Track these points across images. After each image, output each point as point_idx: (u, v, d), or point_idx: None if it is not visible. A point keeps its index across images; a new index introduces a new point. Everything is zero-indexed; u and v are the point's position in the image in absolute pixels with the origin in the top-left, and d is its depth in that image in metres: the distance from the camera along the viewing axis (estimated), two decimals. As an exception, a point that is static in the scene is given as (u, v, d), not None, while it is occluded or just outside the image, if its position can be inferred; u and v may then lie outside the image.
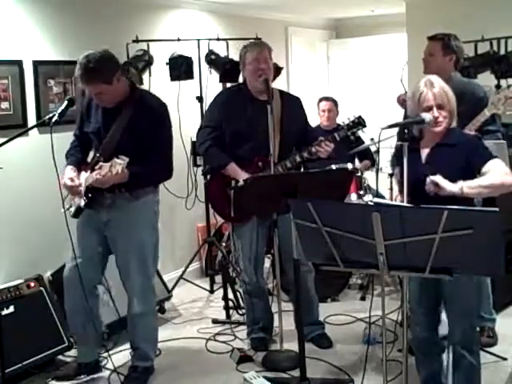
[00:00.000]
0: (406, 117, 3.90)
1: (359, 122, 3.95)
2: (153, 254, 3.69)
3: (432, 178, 2.78)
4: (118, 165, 3.16)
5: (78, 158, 3.66)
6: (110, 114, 3.50)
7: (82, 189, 3.49)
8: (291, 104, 4.06)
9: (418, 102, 2.91)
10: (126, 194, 3.53)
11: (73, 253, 3.55)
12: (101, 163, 3.31)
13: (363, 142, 5.23)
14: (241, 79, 5.20)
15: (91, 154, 3.72)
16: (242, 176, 3.83)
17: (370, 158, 5.49)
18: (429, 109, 2.88)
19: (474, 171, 2.83)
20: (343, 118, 4.14)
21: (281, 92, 4.12)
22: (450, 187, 2.75)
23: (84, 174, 3.53)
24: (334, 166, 4.44)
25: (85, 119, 3.62)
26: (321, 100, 5.71)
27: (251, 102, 3.93)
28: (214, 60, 5.13)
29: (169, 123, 3.61)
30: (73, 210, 3.59)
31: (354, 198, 4.84)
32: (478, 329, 3.11)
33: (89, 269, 3.58)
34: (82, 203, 3.51)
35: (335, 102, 5.69)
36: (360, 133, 4.13)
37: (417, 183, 2.86)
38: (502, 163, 2.84)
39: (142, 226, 3.61)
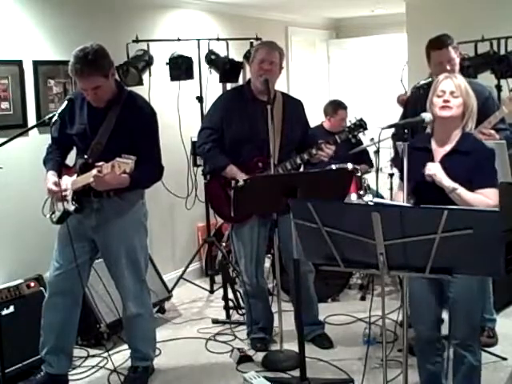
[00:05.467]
0: (405, 117, 3.91)
1: (361, 125, 3.95)
2: (144, 256, 3.67)
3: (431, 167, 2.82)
4: (124, 164, 3.06)
5: (58, 162, 3.55)
6: (97, 115, 3.43)
7: (69, 193, 3.44)
8: (293, 107, 4.06)
9: (434, 88, 2.92)
10: (115, 198, 3.46)
11: (56, 262, 3.53)
12: (101, 162, 3.23)
13: (362, 143, 5.24)
14: (241, 81, 5.25)
15: (69, 158, 3.65)
16: (241, 177, 3.83)
17: (367, 161, 5.48)
18: (442, 93, 2.88)
19: (472, 181, 2.83)
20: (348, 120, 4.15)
21: (283, 95, 4.14)
22: (445, 181, 2.80)
23: (68, 178, 3.47)
24: (333, 166, 4.44)
25: (67, 120, 3.49)
26: (340, 108, 5.61)
27: (252, 103, 3.93)
28: (214, 60, 5.13)
29: (157, 123, 3.55)
30: (57, 215, 3.52)
31: (354, 197, 4.84)
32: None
33: (74, 279, 3.47)
34: (72, 208, 3.44)
35: None
36: (360, 135, 4.13)
37: (423, 183, 2.87)
38: (496, 194, 2.84)
39: (133, 229, 3.57)
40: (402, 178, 3.08)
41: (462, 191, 2.79)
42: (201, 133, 4.08)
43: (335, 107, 5.61)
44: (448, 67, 3.73)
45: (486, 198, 2.80)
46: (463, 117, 2.91)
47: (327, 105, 5.70)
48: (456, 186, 2.79)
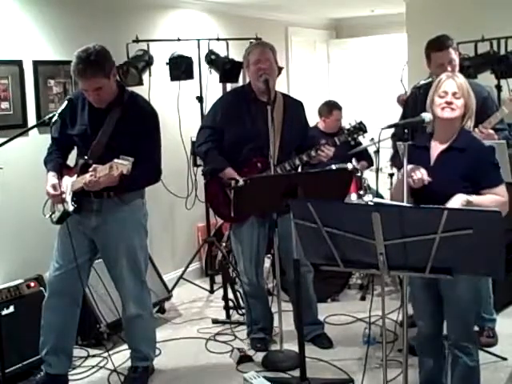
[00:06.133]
0: (404, 117, 3.91)
1: (360, 128, 3.95)
2: (144, 256, 3.66)
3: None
4: (122, 165, 3.06)
5: (58, 162, 3.54)
6: (98, 115, 3.42)
7: (68, 196, 3.43)
8: (293, 108, 4.07)
9: (436, 87, 2.92)
10: (115, 199, 3.46)
11: (56, 262, 3.53)
12: (95, 165, 3.24)
13: (361, 143, 5.23)
14: (241, 81, 5.25)
15: (70, 158, 3.65)
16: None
17: (367, 158, 5.48)
18: (445, 94, 2.88)
19: (475, 182, 2.82)
20: (345, 121, 4.14)
21: (284, 95, 4.14)
22: (460, 201, 2.74)
23: (69, 179, 3.47)
24: (333, 166, 4.44)
25: (68, 121, 3.49)
26: (335, 108, 5.59)
27: (253, 103, 3.94)
28: (214, 60, 5.13)
29: (158, 125, 3.55)
30: (57, 215, 3.51)
31: (354, 198, 4.84)
32: (477, 329, 3.10)
33: (74, 279, 3.47)
34: (71, 208, 3.43)
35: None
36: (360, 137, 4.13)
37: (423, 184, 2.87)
38: (504, 190, 2.83)
39: (133, 230, 3.56)
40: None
41: (475, 199, 2.77)
42: (200, 132, 4.08)
43: (330, 108, 5.59)
44: (449, 68, 3.72)
45: (497, 197, 2.81)
46: (463, 116, 2.91)
47: (322, 106, 5.69)
48: (471, 198, 2.76)
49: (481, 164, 2.85)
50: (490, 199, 2.79)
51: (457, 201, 2.74)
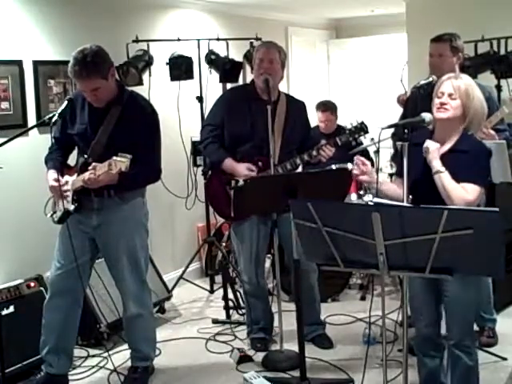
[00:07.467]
0: (404, 117, 3.91)
1: (361, 128, 3.93)
2: (145, 256, 3.66)
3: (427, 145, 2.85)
4: (120, 162, 3.07)
5: (59, 161, 3.55)
6: (97, 115, 3.43)
7: (69, 191, 3.44)
8: (296, 108, 4.08)
9: (437, 88, 2.94)
10: (116, 198, 3.47)
11: (57, 262, 3.52)
12: (94, 164, 3.25)
13: (362, 143, 5.22)
14: (241, 81, 5.26)
15: (71, 158, 3.66)
16: (239, 168, 3.85)
17: (367, 158, 5.46)
18: (441, 94, 2.90)
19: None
20: (344, 121, 4.13)
21: (287, 96, 4.17)
22: (435, 161, 2.83)
23: (69, 178, 3.47)
24: (333, 166, 4.44)
25: (68, 120, 3.50)
26: (318, 109, 5.57)
27: (255, 102, 3.94)
28: (214, 60, 5.14)
29: (158, 124, 3.55)
30: (58, 215, 3.52)
31: (354, 198, 4.84)
32: (477, 329, 3.10)
33: (75, 279, 3.46)
34: (72, 207, 3.44)
35: (332, 110, 5.57)
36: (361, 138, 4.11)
37: (421, 180, 2.87)
38: (476, 191, 2.81)
39: (134, 229, 3.57)
40: (398, 174, 3.12)
41: (445, 176, 2.79)
42: (203, 129, 4.11)
43: (316, 109, 5.59)
44: (438, 61, 3.84)
45: (465, 192, 2.79)
46: (464, 118, 2.90)
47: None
48: (443, 169, 2.80)
49: (472, 159, 2.85)
50: (458, 190, 2.78)
51: (437, 160, 2.82)
